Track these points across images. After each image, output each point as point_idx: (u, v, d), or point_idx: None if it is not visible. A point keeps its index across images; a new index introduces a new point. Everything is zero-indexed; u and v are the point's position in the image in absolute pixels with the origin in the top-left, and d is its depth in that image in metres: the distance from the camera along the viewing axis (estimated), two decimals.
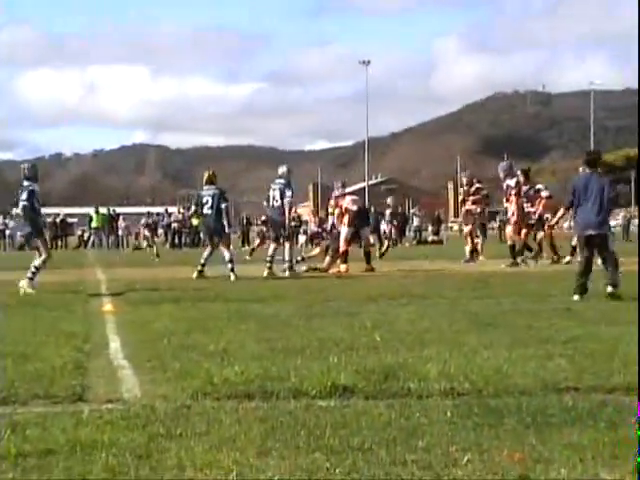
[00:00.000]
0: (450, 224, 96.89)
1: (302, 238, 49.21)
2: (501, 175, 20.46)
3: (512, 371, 5.75)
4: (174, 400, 5.15)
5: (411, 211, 58.70)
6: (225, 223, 16.90)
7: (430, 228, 53.07)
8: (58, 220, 52.64)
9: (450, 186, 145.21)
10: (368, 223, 20.94)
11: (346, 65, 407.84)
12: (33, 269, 13.78)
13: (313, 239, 48.08)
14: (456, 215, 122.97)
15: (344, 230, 19.04)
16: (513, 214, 19.81)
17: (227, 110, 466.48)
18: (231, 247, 17.16)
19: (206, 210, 17.02)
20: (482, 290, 12.59)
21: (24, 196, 14.06)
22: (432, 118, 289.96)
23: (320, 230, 49.79)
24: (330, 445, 4.09)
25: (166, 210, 55.00)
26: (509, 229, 20.32)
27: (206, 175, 17.42)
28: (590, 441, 4.07)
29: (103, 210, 48.61)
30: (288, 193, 17.48)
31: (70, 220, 60.72)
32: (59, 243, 51.02)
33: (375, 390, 5.32)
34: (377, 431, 4.34)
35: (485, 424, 4.44)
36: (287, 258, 17.56)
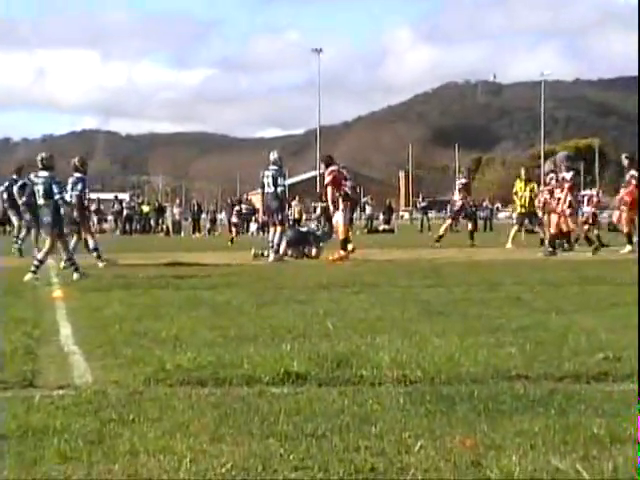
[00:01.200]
0: (401, 213, 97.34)
1: (253, 226, 49.18)
2: (557, 166, 20.63)
3: (464, 359, 5.79)
4: (126, 386, 5.13)
5: (363, 200, 58.90)
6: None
7: (381, 217, 53.28)
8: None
9: (401, 175, 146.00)
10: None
11: (298, 53, 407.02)
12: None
13: (264, 227, 48.06)
14: (407, 204, 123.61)
15: (342, 215, 19.11)
16: (565, 204, 19.86)
17: (178, 96, 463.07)
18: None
19: (267, 189, 18.05)
20: (434, 279, 12.66)
21: (57, 189, 13.82)
22: (383, 107, 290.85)
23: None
24: (284, 431, 4.10)
25: (116, 197, 54.66)
26: (555, 219, 20.37)
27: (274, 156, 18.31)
28: (541, 428, 4.12)
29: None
30: (280, 180, 18.08)
31: None
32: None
33: (328, 377, 5.34)
34: (330, 418, 4.36)
35: (437, 411, 4.47)
36: (276, 242, 17.94)
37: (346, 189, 19.22)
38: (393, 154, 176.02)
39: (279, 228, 18.05)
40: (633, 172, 20.21)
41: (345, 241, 18.85)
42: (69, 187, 15.68)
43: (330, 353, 6.01)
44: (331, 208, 19.45)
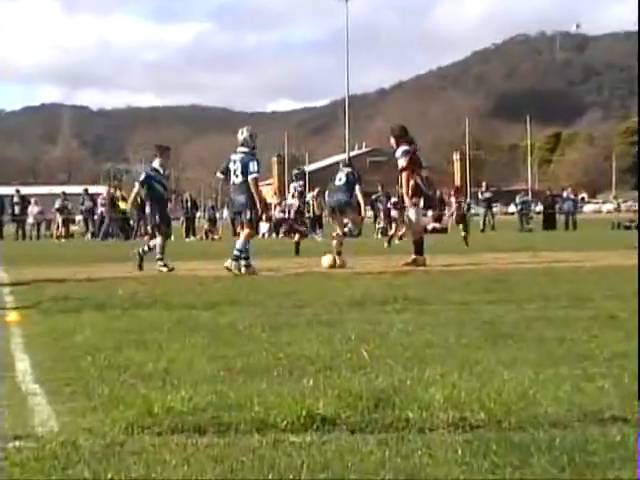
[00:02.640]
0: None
1: (264, 227, 49.30)
2: None
3: (541, 396, 5.78)
4: (102, 435, 5.15)
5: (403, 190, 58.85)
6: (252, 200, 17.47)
7: (430, 212, 53.16)
8: None
9: (456, 157, 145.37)
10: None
11: (321, 1, 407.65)
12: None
13: (278, 227, 48.21)
14: (464, 194, 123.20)
15: (416, 211, 19.22)
16: None
17: (164, 59, 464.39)
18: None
19: (233, 179, 17.54)
20: (499, 292, 12.66)
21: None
22: (431, 69, 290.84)
23: (286, 216, 49.95)
24: None
25: (86, 190, 54.91)
26: None
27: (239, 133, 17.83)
28: None
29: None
30: (253, 167, 17.41)
31: None
32: None
33: (363, 421, 5.34)
34: (367, 474, 4.36)
35: (507, 465, 4.46)
36: (237, 247, 17.50)
37: (418, 180, 19.32)
38: (444, 130, 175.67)
39: (246, 231, 17.70)
40: None
41: (420, 244, 18.98)
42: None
43: (365, 390, 6.02)
44: (406, 201, 19.52)
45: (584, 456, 4.57)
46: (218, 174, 17.92)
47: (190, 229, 47.92)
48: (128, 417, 5.43)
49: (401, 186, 19.37)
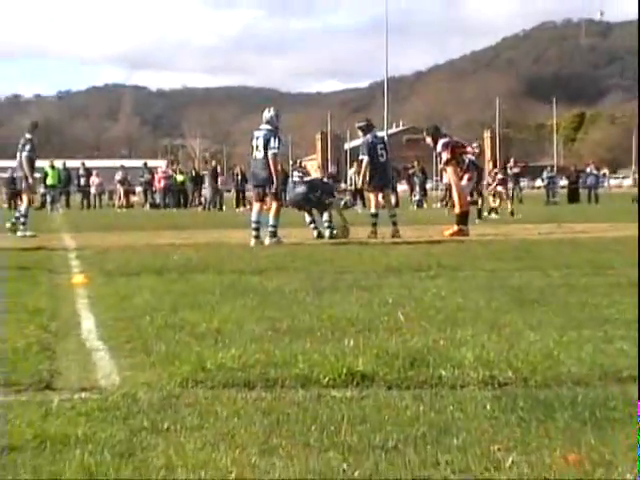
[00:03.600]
0: (486, 181, 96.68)
1: None
2: None
3: (564, 357, 5.76)
4: (160, 389, 5.17)
5: (439, 166, 58.74)
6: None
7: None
8: (16, 175, 52.67)
9: (487, 135, 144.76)
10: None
11: None
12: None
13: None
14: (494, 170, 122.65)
15: (465, 186, 19.26)
16: None
17: (216, 44, 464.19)
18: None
19: (255, 154, 17.15)
20: (526, 260, 12.60)
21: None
22: (465, 54, 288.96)
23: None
24: (347, 443, 4.11)
25: (145, 164, 55.09)
26: None
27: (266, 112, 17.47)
28: None
29: (59, 164, 48.44)
30: (273, 143, 17.02)
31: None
32: (18, 202, 51.08)
33: (399, 378, 5.34)
34: (403, 427, 4.36)
35: (533, 419, 4.44)
36: (271, 222, 17.09)
37: (470, 157, 19.38)
38: (476, 110, 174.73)
39: (275, 205, 17.19)
40: None
41: (465, 215, 19.03)
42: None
43: (401, 350, 6.01)
44: (453, 182, 19.66)
45: (604, 412, 4.54)
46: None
47: (240, 200, 47.91)
48: (183, 372, 5.45)
49: (442, 169, 19.53)
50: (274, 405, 4.78)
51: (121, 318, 7.76)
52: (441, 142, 19.32)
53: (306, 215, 19.00)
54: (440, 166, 21.32)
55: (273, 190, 17.14)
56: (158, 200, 50.66)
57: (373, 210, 19.49)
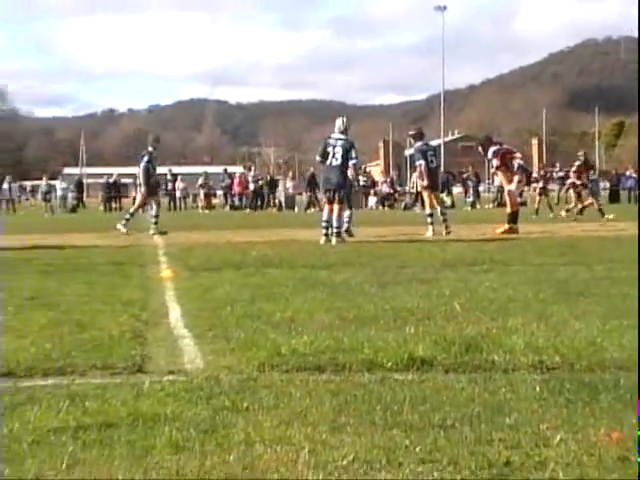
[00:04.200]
0: (533, 184, 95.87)
1: (372, 200, 49.26)
2: None
3: (607, 344, 5.68)
4: (239, 372, 5.19)
5: (491, 170, 58.38)
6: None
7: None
8: (111, 181, 53.30)
9: (534, 142, 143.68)
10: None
11: (420, 11, 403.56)
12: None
13: (384, 201, 48.21)
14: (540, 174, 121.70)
15: (515, 188, 19.30)
16: None
17: (289, 61, 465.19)
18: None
19: (332, 161, 16.97)
20: (571, 256, 12.47)
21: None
22: (514, 68, 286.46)
23: (392, 191, 49.87)
24: (409, 421, 4.09)
25: (225, 170, 55.37)
26: None
27: (339, 122, 17.28)
28: None
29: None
30: (354, 154, 16.97)
31: (124, 180, 61.33)
32: (113, 205, 51.73)
33: (456, 363, 5.31)
34: (459, 407, 4.33)
35: (578, 401, 4.39)
36: (336, 224, 16.93)
37: (519, 161, 19.39)
38: (524, 120, 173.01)
39: (338, 207, 16.93)
40: None
41: (515, 215, 19.02)
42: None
43: (458, 337, 5.98)
44: (504, 184, 19.71)
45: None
46: (318, 158, 17.56)
47: (310, 202, 47.95)
48: (260, 357, 5.46)
49: (494, 173, 19.58)
50: (342, 387, 4.77)
51: (204, 308, 7.80)
52: (491, 150, 19.36)
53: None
54: (492, 170, 21.30)
55: (341, 195, 17.05)
56: (237, 202, 50.96)
57: (427, 210, 19.47)
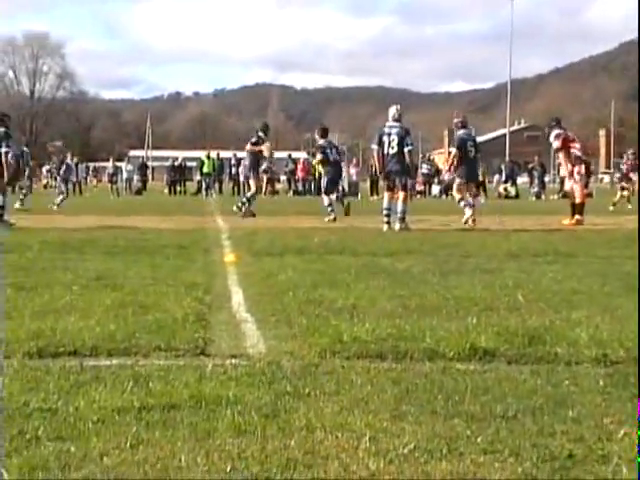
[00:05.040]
0: (600, 175, 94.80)
1: (436, 189, 49.05)
2: None
3: None
4: (301, 357, 5.22)
5: (557, 161, 57.77)
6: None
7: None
8: (177, 164, 53.68)
9: (602, 133, 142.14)
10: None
11: None
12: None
13: (448, 189, 47.94)
14: (607, 166, 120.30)
15: (579, 178, 19.18)
16: None
17: (355, 47, 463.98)
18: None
19: (388, 149, 17.09)
20: (636, 248, 12.30)
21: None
22: (583, 58, 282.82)
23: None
24: (470, 412, 4.08)
25: (289, 156, 55.45)
26: None
27: (394, 110, 17.40)
28: None
29: (214, 155, 49.19)
30: (409, 140, 17.16)
31: (189, 164, 61.68)
32: (178, 188, 52.11)
33: (518, 354, 5.28)
34: (522, 398, 4.31)
35: None
36: (400, 209, 17.03)
37: (576, 152, 19.22)
38: (593, 110, 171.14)
39: (402, 194, 17.13)
40: None
41: (581, 206, 18.90)
42: None
43: (521, 328, 5.94)
44: (566, 174, 19.54)
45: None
46: (374, 146, 17.67)
47: (373, 189, 47.89)
48: (322, 343, 5.48)
49: (559, 164, 19.38)
50: (404, 375, 4.77)
51: (267, 293, 7.85)
52: (554, 133, 19.23)
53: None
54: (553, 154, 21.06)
55: (403, 182, 17.19)
56: (300, 188, 51.00)
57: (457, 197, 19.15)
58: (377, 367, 4.97)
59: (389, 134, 17.10)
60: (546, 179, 56.44)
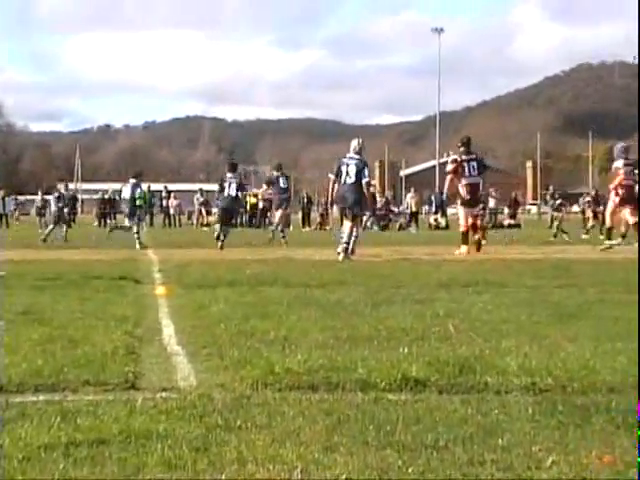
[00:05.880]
0: (528, 206, 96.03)
1: (368, 220, 49.18)
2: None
3: (599, 366, 5.68)
4: (233, 390, 5.18)
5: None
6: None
7: (506, 210, 52.61)
8: (106, 196, 53.28)
9: (528, 165, 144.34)
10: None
11: (417, 33, 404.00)
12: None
13: (380, 221, 48.22)
14: (534, 197, 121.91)
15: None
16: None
17: (285, 80, 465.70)
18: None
19: (346, 179, 17.47)
20: (564, 278, 12.45)
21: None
22: (510, 91, 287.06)
23: (386, 212, 49.89)
24: (402, 442, 4.08)
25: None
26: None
27: (355, 143, 17.80)
28: None
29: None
30: (366, 172, 17.58)
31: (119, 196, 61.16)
32: (107, 221, 51.69)
33: (449, 384, 5.30)
34: (452, 428, 4.32)
35: (571, 423, 4.39)
36: (345, 239, 17.36)
37: (463, 179, 19.54)
38: (520, 142, 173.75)
39: (350, 223, 17.54)
40: None
41: (465, 235, 19.29)
42: None
43: (451, 358, 5.97)
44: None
45: (636, 417, 4.47)
46: (331, 176, 18.00)
47: (306, 221, 48.00)
48: (254, 375, 5.45)
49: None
50: (336, 406, 4.76)
51: (198, 326, 7.79)
52: (450, 158, 19.85)
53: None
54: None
55: (355, 212, 17.71)
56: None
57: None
58: (309, 398, 4.95)
59: (347, 165, 17.54)
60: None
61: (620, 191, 20.51)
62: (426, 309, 8.83)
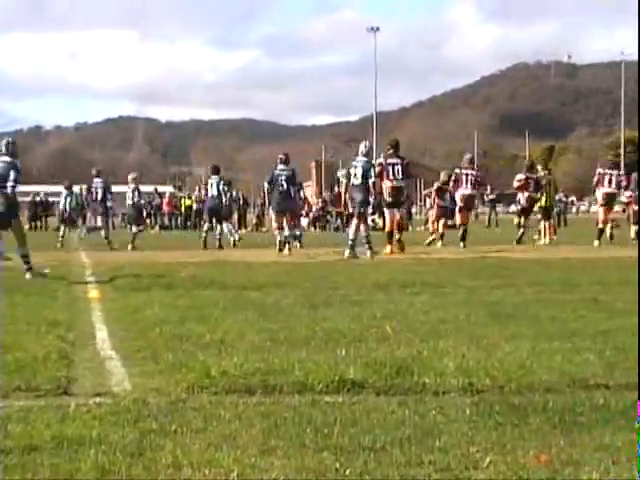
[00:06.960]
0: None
1: (304, 221, 49.22)
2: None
3: (536, 366, 5.75)
4: (168, 394, 5.16)
5: (423, 192, 58.71)
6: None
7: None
8: (38, 199, 52.68)
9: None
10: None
11: (353, 32, 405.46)
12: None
13: (316, 222, 48.30)
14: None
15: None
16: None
17: (220, 80, 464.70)
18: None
19: (353, 181, 18.68)
20: (501, 279, 12.58)
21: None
22: (446, 91, 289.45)
23: (323, 213, 49.96)
24: (339, 444, 4.09)
25: (156, 190, 55.04)
26: None
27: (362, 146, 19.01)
28: (624, 442, 4.06)
29: (76, 189, 48.41)
30: (372, 173, 18.52)
31: (51, 199, 60.50)
32: (39, 224, 51.14)
33: (387, 385, 5.33)
34: (390, 430, 4.34)
35: (508, 423, 4.43)
36: (351, 237, 18.48)
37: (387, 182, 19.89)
38: (456, 142, 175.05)
39: (356, 222, 18.56)
40: None
41: (390, 234, 19.69)
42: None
43: (389, 359, 6.00)
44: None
45: (573, 417, 4.54)
46: (343, 180, 19.39)
47: (242, 223, 47.87)
48: (189, 379, 5.43)
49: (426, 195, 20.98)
50: (272, 409, 4.76)
51: (132, 329, 7.75)
52: (377, 162, 20.50)
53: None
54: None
55: (363, 211, 18.73)
56: (167, 222, 50.64)
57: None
58: (246, 402, 4.95)
59: (355, 166, 18.77)
60: (413, 210, 57.34)
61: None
62: (363, 310, 8.87)
